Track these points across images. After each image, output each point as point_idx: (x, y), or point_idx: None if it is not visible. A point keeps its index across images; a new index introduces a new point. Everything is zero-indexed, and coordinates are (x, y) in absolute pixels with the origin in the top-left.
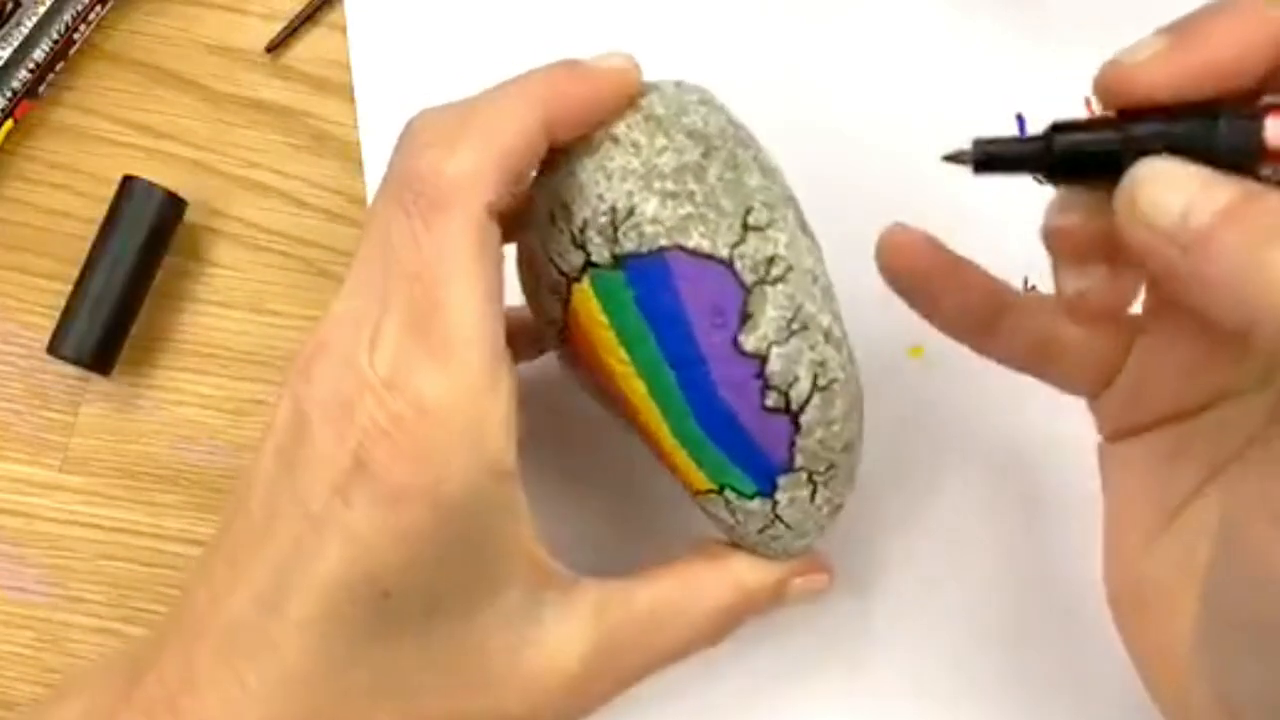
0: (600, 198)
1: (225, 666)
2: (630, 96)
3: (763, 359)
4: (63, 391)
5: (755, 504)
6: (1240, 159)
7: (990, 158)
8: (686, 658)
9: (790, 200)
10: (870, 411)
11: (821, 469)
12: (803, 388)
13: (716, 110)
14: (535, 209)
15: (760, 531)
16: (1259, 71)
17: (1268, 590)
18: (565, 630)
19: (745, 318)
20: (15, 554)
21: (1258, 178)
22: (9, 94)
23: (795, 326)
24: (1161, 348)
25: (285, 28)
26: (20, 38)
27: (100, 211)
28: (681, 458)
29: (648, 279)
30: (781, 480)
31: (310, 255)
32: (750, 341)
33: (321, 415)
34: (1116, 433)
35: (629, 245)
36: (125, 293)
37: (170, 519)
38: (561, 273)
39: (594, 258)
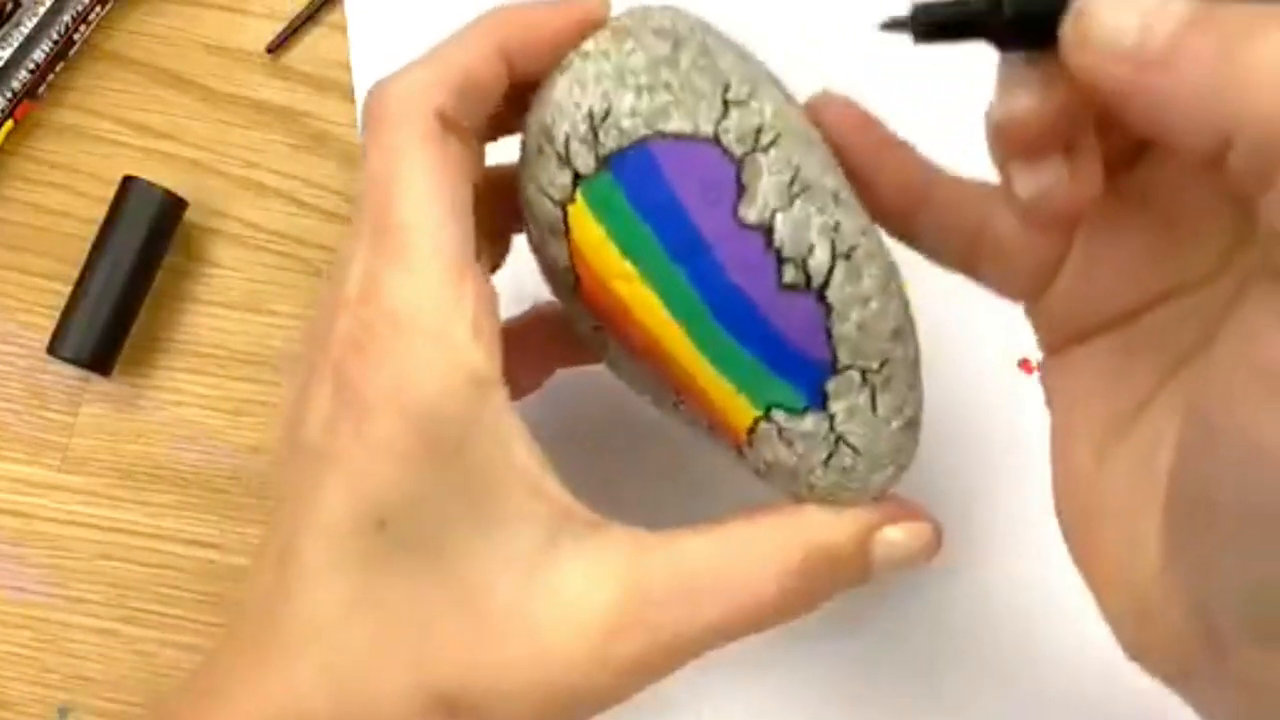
0: (577, 106)
1: (256, 642)
2: (596, 22)
3: (768, 228)
4: (62, 392)
5: (809, 422)
6: None
7: (932, 24)
8: (741, 636)
9: (771, 78)
10: None
11: (875, 364)
12: (820, 257)
13: (684, 15)
14: (525, 149)
15: (826, 463)
16: None
17: (1256, 466)
18: (585, 574)
19: (741, 189)
20: (15, 554)
21: None
22: (9, 94)
23: (796, 189)
24: (1107, 238)
25: (285, 28)
26: (20, 38)
27: (100, 212)
28: (716, 385)
29: (634, 172)
30: (831, 385)
31: (310, 255)
32: (752, 213)
33: (311, 348)
34: (1059, 341)
35: (610, 144)
36: (125, 293)
37: (169, 519)
38: (557, 202)
39: (580, 168)
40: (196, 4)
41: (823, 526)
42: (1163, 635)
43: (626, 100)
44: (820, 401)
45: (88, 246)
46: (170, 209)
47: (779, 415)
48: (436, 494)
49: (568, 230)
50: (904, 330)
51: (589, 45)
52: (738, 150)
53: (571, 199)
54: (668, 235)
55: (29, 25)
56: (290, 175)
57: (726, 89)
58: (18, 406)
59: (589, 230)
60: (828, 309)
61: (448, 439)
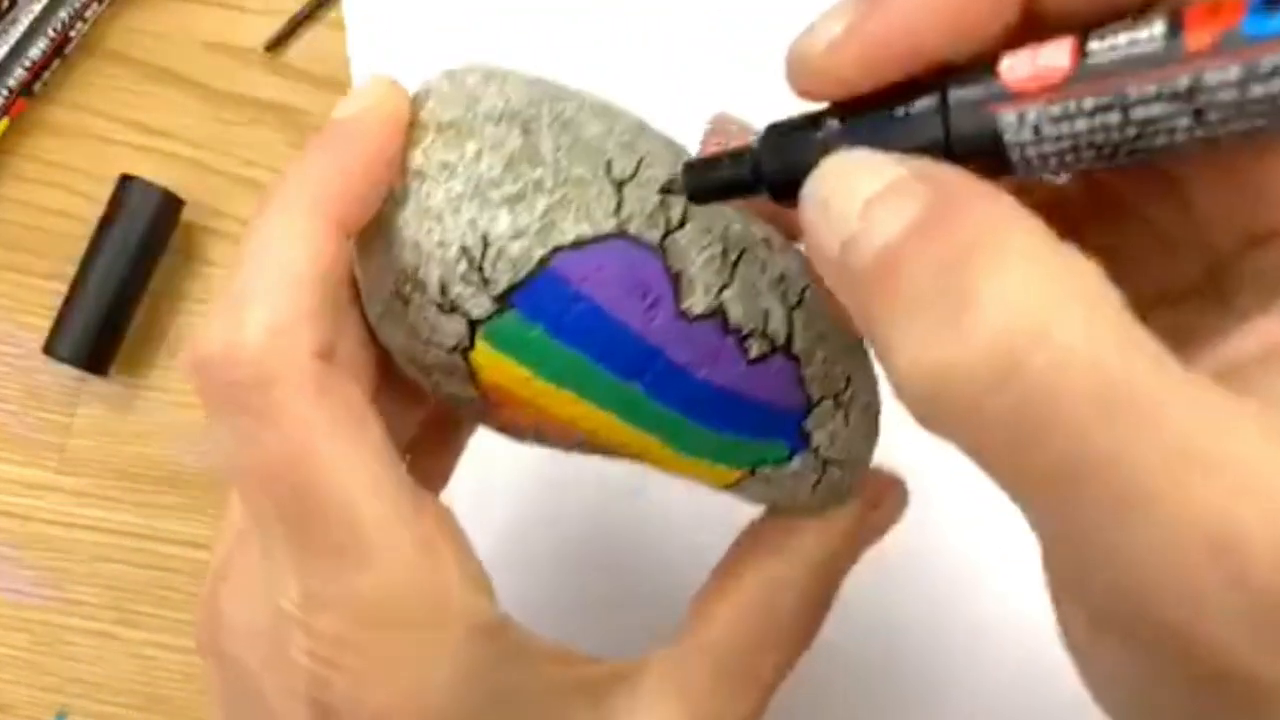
0: (441, 245)
1: None
2: (402, 127)
3: (719, 311)
4: (59, 392)
5: (796, 464)
6: (974, 140)
7: (701, 186)
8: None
9: (642, 127)
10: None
11: (842, 385)
12: (778, 316)
13: (507, 80)
14: (374, 299)
15: (814, 488)
16: (986, 31)
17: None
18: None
19: (674, 281)
20: (12, 556)
21: (1007, 166)
22: (5, 92)
23: (733, 257)
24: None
25: (284, 25)
26: (16, 35)
27: (97, 211)
28: (693, 466)
29: (546, 303)
30: (809, 422)
31: None
32: (696, 303)
33: (258, 663)
34: None
35: (504, 279)
36: (122, 293)
37: (167, 520)
38: (450, 350)
39: (473, 313)
40: (194, 1)
41: (817, 547)
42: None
43: (501, 222)
44: (803, 443)
45: (84, 246)
46: (168, 208)
47: (764, 470)
48: None
49: (473, 373)
50: (859, 338)
51: (418, 160)
52: (652, 237)
53: (470, 345)
54: (610, 359)
55: (25, 22)
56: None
57: (609, 167)
58: (14, 407)
59: (504, 370)
60: (796, 360)
61: (482, 697)
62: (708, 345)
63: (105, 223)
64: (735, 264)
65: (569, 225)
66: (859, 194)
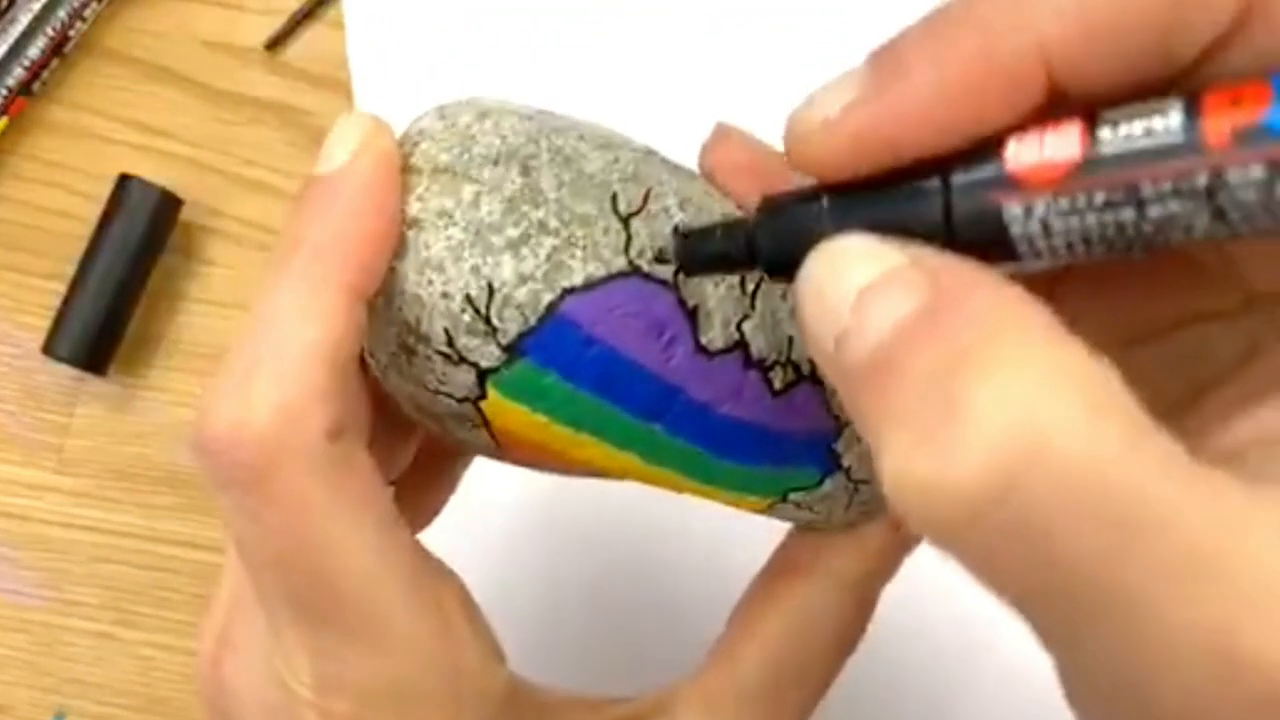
0: (445, 296)
1: None
2: (397, 173)
3: (740, 344)
4: (58, 392)
5: (827, 487)
6: (977, 227)
7: (694, 259)
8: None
9: (647, 154)
10: None
11: None
12: (800, 343)
13: (502, 116)
14: (378, 352)
15: (847, 509)
16: (1001, 112)
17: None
18: None
19: (691, 315)
20: (11, 557)
21: (1015, 256)
22: (4, 91)
23: (750, 285)
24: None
25: (284, 24)
26: (15, 34)
27: (96, 210)
28: (720, 497)
29: (558, 349)
30: (839, 445)
31: None
32: (716, 337)
33: None
34: None
35: (513, 327)
36: (120, 292)
37: (166, 521)
38: (460, 400)
39: (484, 364)
40: (194, 0)
41: (850, 564)
42: None
43: (506, 268)
44: (834, 465)
45: (83, 245)
46: (166, 207)
47: (795, 495)
48: None
49: (486, 422)
50: None
51: (414, 208)
52: (664, 272)
53: (481, 395)
54: (631, 400)
55: (24, 21)
56: (288, 173)
57: (615, 201)
58: (12, 407)
59: (518, 417)
60: (822, 384)
61: None
62: (730, 380)
63: (104, 222)
64: (753, 293)
65: (577, 266)
66: (854, 283)
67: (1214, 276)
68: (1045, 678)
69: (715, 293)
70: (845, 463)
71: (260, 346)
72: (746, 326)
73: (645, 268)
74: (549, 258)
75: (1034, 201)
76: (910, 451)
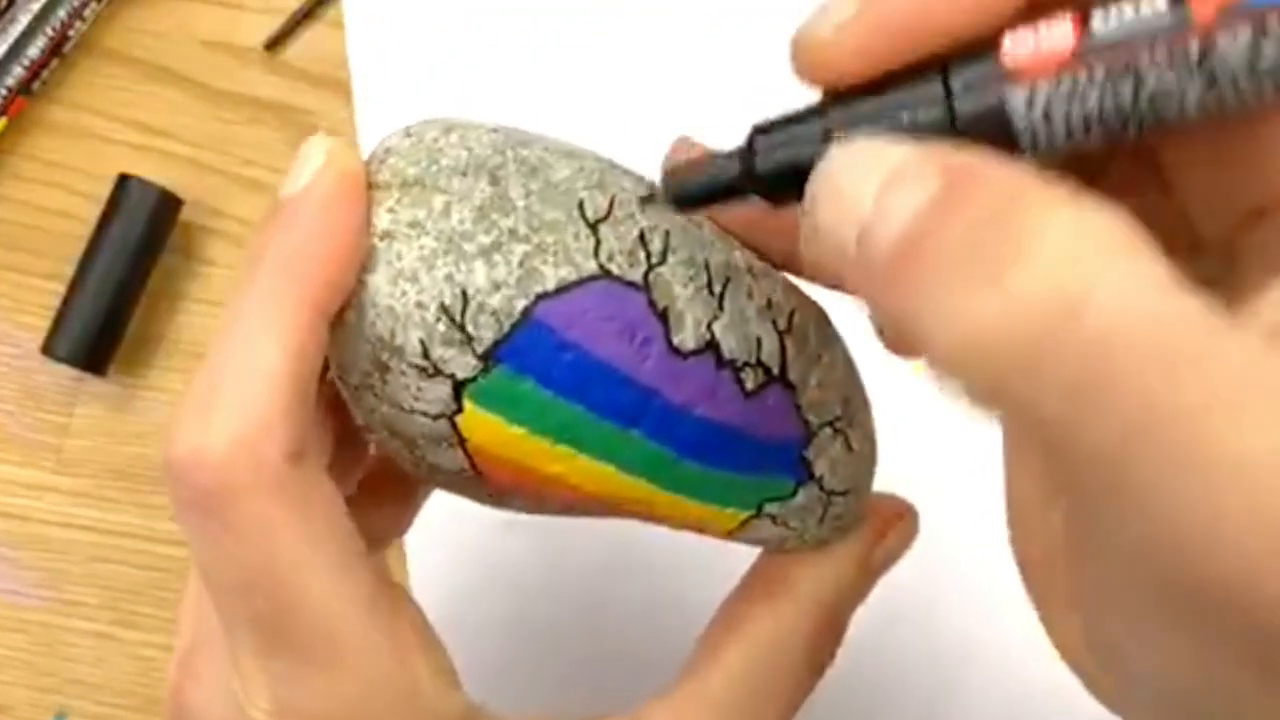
0: (420, 305)
1: None
2: (362, 188)
3: (712, 344)
4: (57, 392)
5: (800, 498)
6: (980, 121)
7: (686, 191)
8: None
9: (611, 166)
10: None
11: (838, 411)
12: (769, 344)
13: (468, 130)
14: (348, 372)
15: (821, 521)
16: (993, 13)
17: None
18: None
19: (663, 316)
20: (10, 557)
21: (1015, 146)
22: (3, 91)
23: (718, 287)
24: None
25: (284, 24)
26: (15, 34)
27: (95, 210)
28: (697, 511)
29: (534, 354)
30: (810, 452)
31: None
32: (688, 338)
33: None
34: None
35: (488, 334)
36: (120, 292)
37: (165, 521)
38: (435, 416)
39: (461, 374)
40: (194, 0)
41: (820, 584)
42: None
43: (479, 274)
44: (805, 474)
45: (83, 245)
46: (166, 207)
47: (769, 507)
48: None
49: (462, 440)
50: (848, 361)
51: (384, 220)
52: (634, 274)
53: (458, 409)
54: (605, 406)
55: (24, 20)
56: (287, 173)
57: (582, 207)
58: (11, 407)
59: (495, 431)
60: (792, 387)
61: None
62: (704, 381)
63: (104, 222)
64: (722, 294)
65: (549, 271)
66: (871, 181)
67: (1165, 225)
68: (1042, 680)
69: (684, 293)
70: (818, 471)
71: (221, 369)
72: (716, 327)
73: (615, 271)
74: (521, 264)
75: (1036, 88)
76: (963, 309)
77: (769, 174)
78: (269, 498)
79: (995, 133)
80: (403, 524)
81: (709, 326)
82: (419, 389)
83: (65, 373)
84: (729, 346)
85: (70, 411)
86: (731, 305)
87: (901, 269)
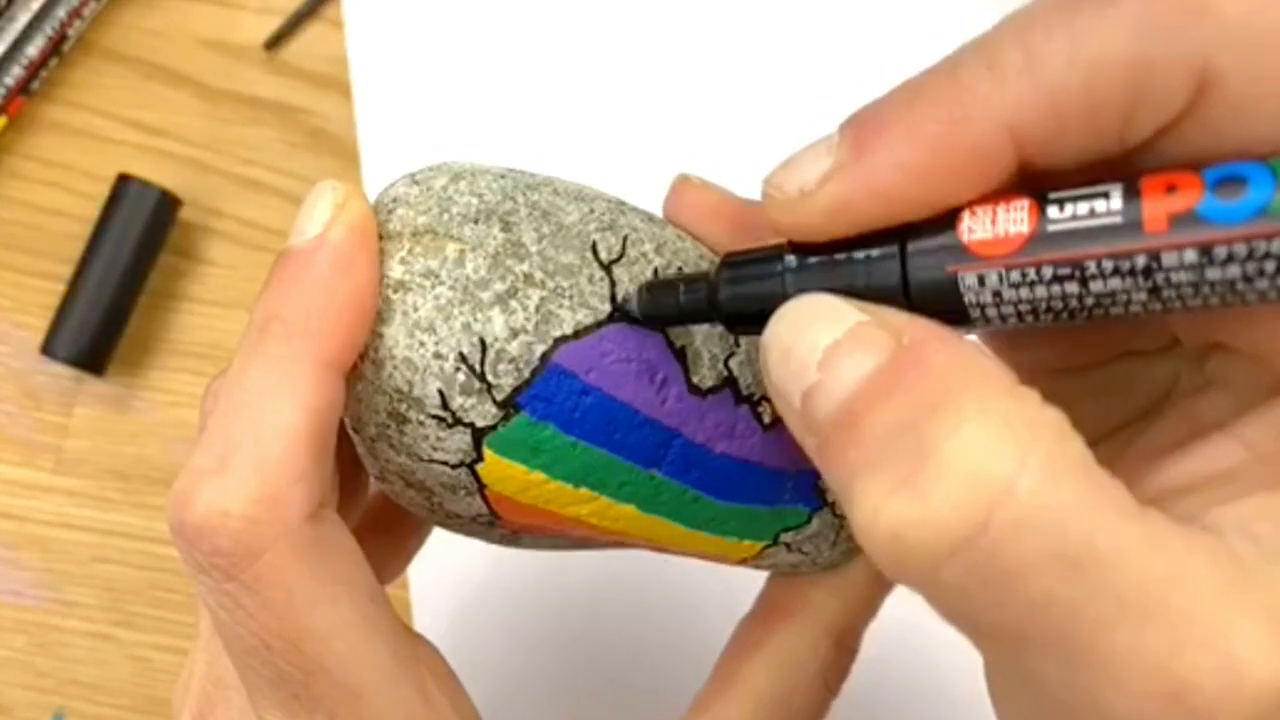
0: (438, 356)
1: None
2: (373, 239)
3: (730, 380)
4: (56, 392)
5: (814, 525)
6: (932, 293)
7: (656, 312)
8: None
9: (620, 205)
10: None
11: None
12: None
13: (476, 176)
14: (364, 424)
15: (834, 546)
16: (972, 184)
17: None
18: None
19: (680, 356)
20: (10, 557)
21: (968, 321)
22: (2, 91)
23: None
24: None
25: (283, 24)
26: (14, 34)
27: (94, 210)
28: (715, 545)
29: (555, 400)
30: (824, 481)
31: None
32: (707, 375)
33: None
34: None
35: (508, 381)
36: (119, 292)
37: (164, 522)
38: (455, 466)
39: (480, 423)
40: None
41: (836, 604)
42: None
43: (497, 322)
44: (820, 501)
45: (82, 245)
46: (165, 207)
47: (786, 536)
48: None
49: (482, 487)
50: None
51: (397, 271)
52: None
53: (478, 458)
54: (627, 448)
55: (23, 20)
56: (287, 172)
57: (595, 250)
58: (11, 408)
59: (515, 478)
60: None
61: None
62: (723, 418)
63: (103, 222)
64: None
65: (566, 315)
66: (820, 341)
67: (1142, 318)
68: None
69: (700, 330)
70: (831, 498)
71: (237, 429)
72: (733, 363)
73: (632, 311)
74: (538, 309)
75: (986, 272)
76: (883, 498)
77: (729, 308)
78: (290, 557)
79: (946, 305)
80: (409, 554)
81: (726, 363)
82: (438, 439)
83: (64, 373)
84: (745, 381)
85: (69, 412)
86: (746, 341)
87: (837, 442)
